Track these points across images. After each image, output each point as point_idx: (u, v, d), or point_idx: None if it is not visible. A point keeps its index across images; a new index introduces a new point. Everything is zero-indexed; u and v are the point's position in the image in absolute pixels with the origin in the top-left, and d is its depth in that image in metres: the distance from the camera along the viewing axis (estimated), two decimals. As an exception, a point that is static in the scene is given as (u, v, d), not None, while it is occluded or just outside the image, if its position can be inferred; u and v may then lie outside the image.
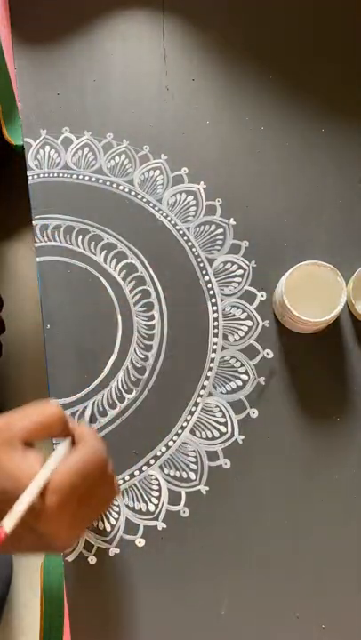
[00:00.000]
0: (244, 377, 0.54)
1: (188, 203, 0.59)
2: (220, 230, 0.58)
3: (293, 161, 0.60)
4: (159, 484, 0.51)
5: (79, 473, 0.36)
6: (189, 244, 0.58)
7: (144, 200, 0.59)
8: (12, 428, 0.37)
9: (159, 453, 0.52)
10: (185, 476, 0.52)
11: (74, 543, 0.41)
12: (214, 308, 0.56)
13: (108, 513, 0.51)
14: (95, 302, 0.56)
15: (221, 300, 0.56)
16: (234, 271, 0.57)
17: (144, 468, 0.52)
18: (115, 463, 0.52)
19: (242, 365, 0.54)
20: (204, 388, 0.54)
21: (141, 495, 0.51)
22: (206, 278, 0.57)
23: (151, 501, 0.51)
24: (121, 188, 0.59)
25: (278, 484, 0.52)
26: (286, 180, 0.60)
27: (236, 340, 0.55)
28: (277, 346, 0.55)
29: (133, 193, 0.59)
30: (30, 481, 0.34)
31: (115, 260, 0.57)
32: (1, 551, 0.38)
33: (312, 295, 0.52)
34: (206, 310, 0.56)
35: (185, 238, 0.58)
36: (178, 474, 0.52)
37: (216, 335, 0.55)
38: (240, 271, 0.57)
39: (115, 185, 0.59)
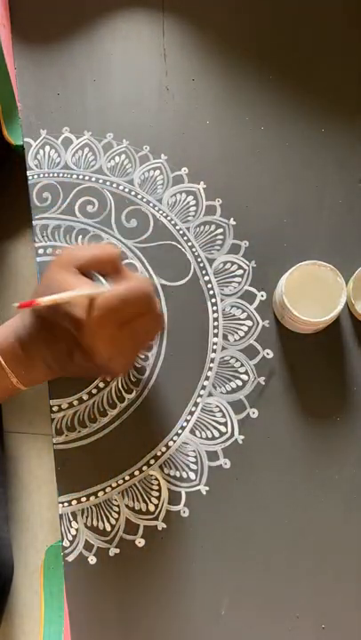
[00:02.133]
0: (244, 377, 0.54)
1: (188, 203, 0.59)
2: (220, 230, 0.58)
3: (293, 161, 0.60)
4: (159, 484, 0.51)
5: (122, 298, 0.40)
6: (189, 243, 0.58)
7: (144, 200, 0.59)
8: (72, 256, 0.42)
9: (159, 453, 0.52)
10: (185, 475, 0.52)
11: (117, 368, 0.43)
12: (214, 307, 0.56)
13: (107, 513, 0.51)
14: (95, 302, 0.56)
15: (221, 300, 0.56)
16: (234, 271, 0.57)
17: (144, 468, 0.52)
18: (115, 462, 0.52)
19: (242, 365, 0.54)
20: (203, 387, 0.54)
21: (141, 495, 0.51)
22: (206, 278, 0.57)
23: (151, 501, 0.51)
24: (121, 188, 0.59)
25: (278, 483, 0.52)
26: (286, 180, 0.60)
27: (236, 340, 0.55)
28: (277, 346, 0.55)
29: (133, 193, 0.59)
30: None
31: (115, 260, 0.57)
32: (59, 372, 0.44)
33: (312, 295, 0.52)
34: (206, 310, 0.56)
35: (185, 238, 0.58)
36: (178, 474, 0.52)
37: (216, 335, 0.55)
38: (240, 271, 0.57)
39: (115, 185, 0.59)
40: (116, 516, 0.51)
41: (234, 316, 0.56)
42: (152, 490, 0.51)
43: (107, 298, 0.40)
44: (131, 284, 0.41)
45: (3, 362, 0.43)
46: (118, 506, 0.51)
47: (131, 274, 0.44)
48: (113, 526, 0.50)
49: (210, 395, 0.54)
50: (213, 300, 0.56)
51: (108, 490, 0.51)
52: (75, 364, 0.43)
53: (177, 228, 0.58)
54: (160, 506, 0.51)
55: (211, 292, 0.56)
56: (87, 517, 0.51)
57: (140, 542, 0.50)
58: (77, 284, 0.40)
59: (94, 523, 0.50)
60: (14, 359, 0.43)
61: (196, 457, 0.52)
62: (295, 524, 0.51)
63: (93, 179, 0.59)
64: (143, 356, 0.54)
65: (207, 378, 0.54)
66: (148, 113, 0.61)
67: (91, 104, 0.61)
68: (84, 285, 0.40)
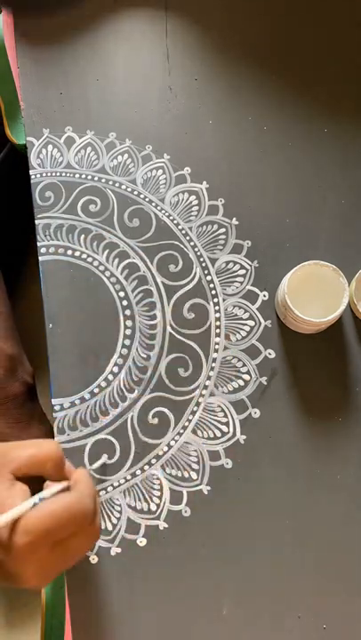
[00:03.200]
0: (246, 377, 0.54)
1: (191, 202, 0.59)
2: (223, 230, 0.58)
3: (296, 161, 0.60)
4: (161, 484, 0.51)
5: (58, 519, 0.35)
6: (192, 243, 0.58)
7: (147, 199, 0.59)
8: (5, 457, 0.37)
9: (161, 453, 0.52)
10: (187, 475, 0.52)
11: (42, 586, 0.40)
12: (216, 307, 0.56)
13: (109, 512, 0.51)
14: (97, 302, 0.56)
15: (224, 300, 0.56)
16: (236, 271, 0.57)
17: (146, 467, 0.52)
18: (116, 462, 0.52)
19: (244, 365, 0.54)
20: (205, 387, 0.54)
21: (143, 495, 0.51)
22: (208, 278, 0.57)
23: (153, 501, 0.51)
24: (123, 187, 0.59)
25: (280, 483, 0.52)
26: (289, 180, 0.60)
27: (238, 340, 0.55)
28: (279, 346, 0.55)
29: (136, 192, 0.59)
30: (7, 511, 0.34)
31: (117, 260, 0.57)
32: None
33: (314, 295, 0.52)
34: (208, 310, 0.56)
35: (187, 238, 0.58)
36: (180, 473, 0.52)
37: (218, 335, 0.55)
38: (242, 271, 0.57)
39: (117, 184, 0.59)
40: (117, 515, 0.51)
41: (236, 315, 0.56)
42: (154, 489, 0.51)
43: (40, 519, 0.34)
44: (69, 498, 0.36)
45: None
46: (120, 505, 0.51)
47: (77, 475, 0.39)
48: (114, 525, 0.50)
49: (212, 394, 0.54)
50: (216, 300, 0.56)
51: (109, 489, 0.51)
52: None
53: (179, 227, 0.58)
54: (162, 505, 0.51)
55: (213, 292, 0.56)
56: (89, 517, 0.50)
57: (142, 542, 0.50)
58: (8, 498, 0.35)
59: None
60: None
61: (197, 457, 0.52)
62: (297, 524, 0.51)
63: (96, 178, 0.59)
64: (145, 356, 0.54)
65: (209, 377, 0.54)
66: (150, 112, 0.61)
67: (93, 103, 0.61)
68: (16, 499, 0.35)
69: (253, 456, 0.52)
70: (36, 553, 0.34)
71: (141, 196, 0.59)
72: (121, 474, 0.52)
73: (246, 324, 0.56)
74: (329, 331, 0.55)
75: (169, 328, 0.55)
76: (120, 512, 0.51)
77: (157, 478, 0.52)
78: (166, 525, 0.51)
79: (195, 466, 0.52)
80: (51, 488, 0.37)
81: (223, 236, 0.58)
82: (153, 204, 0.59)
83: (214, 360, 0.55)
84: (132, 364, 0.54)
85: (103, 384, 0.54)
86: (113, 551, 0.50)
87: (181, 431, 0.53)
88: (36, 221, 0.58)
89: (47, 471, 0.38)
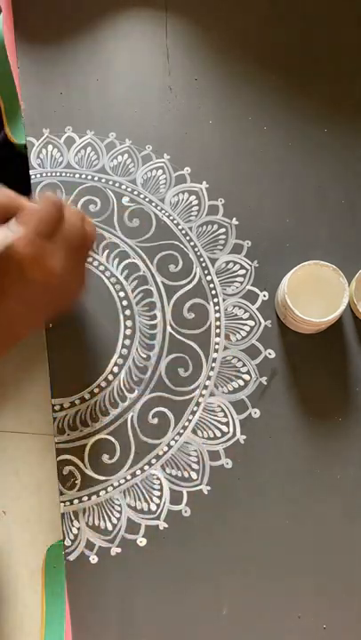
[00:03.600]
0: (246, 377, 0.54)
1: (191, 202, 0.59)
2: (223, 230, 0.58)
3: (296, 161, 0.60)
4: (161, 484, 0.51)
5: (36, 215, 0.41)
6: (192, 243, 0.58)
7: (147, 199, 0.59)
8: None
9: (161, 453, 0.52)
10: (187, 475, 0.52)
11: (74, 283, 0.46)
12: (216, 307, 0.56)
13: (109, 512, 0.51)
14: (97, 302, 0.56)
15: (223, 300, 0.56)
16: (236, 271, 0.57)
17: (146, 467, 0.52)
18: (116, 462, 0.52)
19: (244, 365, 0.54)
20: (205, 387, 0.54)
21: (143, 495, 0.51)
22: (208, 278, 0.57)
23: (153, 501, 0.51)
24: (123, 187, 0.59)
25: (280, 483, 0.52)
26: (289, 180, 0.60)
27: (238, 340, 0.55)
28: (279, 346, 0.55)
29: (136, 192, 0.59)
30: None
31: (117, 260, 0.57)
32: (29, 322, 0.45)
33: (314, 295, 0.52)
34: (208, 310, 0.56)
35: (187, 238, 0.58)
36: (180, 473, 0.52)
37: (218, 335, 0.55)
38: (242, 271, 0.57)
39: (117, 184, 0.59)
40: (117, 515, 0.51)
41: (236, 315, 0.56)
42: (154, 489, 0.51)
43: (24, 222, 0.41)
44: (32, 203, 0.42)
45: None
46: (120, 505, 0.51)
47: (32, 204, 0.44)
48: (114, 525, 0.50)
49: (212, 394, 0.54)
50: (216, 300, 0.56)
51: (109, 489, 0.51)
52: (41, 300, 0.44)
53: (179, 227, 0.58)
54: (162, 505, 0.51)
55: (213, 292, 0.56)
56: (89, 516, 0.51)
57: (142, 542, 0.50)
58: None
59: (96, 522, 0.50)
60: None
61: (197, 457, 0.52)
62: (297, 524, 0.51)
63: (96, 178, 0.59)
64: (145, 356, 0.54)
65: (209, 377, 0.54)
66: (150, 112, 0.61)
67: (94, 103, 0.61)
68: None
69: (254, 456, 0.52)
70: (41, 247, 0.41)
71: (141, 195, 0.59)
72: (121, 474, 0.52)
73: (246, 324, 0.56)
74: (329, 331, 0.55)
75: (169, 328, 0.55)
76: (120, 512, 0.51)
77: (157, 478, 0.52)
78: (166, 525, 0.51)
79: (195, 466, 0.52)
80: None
81: (223, 236, 0.58)
82: (153, 204, 0.59)
83: (214, 360, 0.55)
84: (132, 363, 0.54)
85: (103, 384, 0.54)
86: (113, 551, 0.50)
87: (181, 431, 0.53)
88: (36, 221, 0.58)
89: (8, 211, 0.43)
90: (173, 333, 0.55)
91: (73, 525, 0.50)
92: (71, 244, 0.43)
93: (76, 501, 0.51)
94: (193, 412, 0.53)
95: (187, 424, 0.53)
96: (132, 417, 0.53)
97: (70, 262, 0.43)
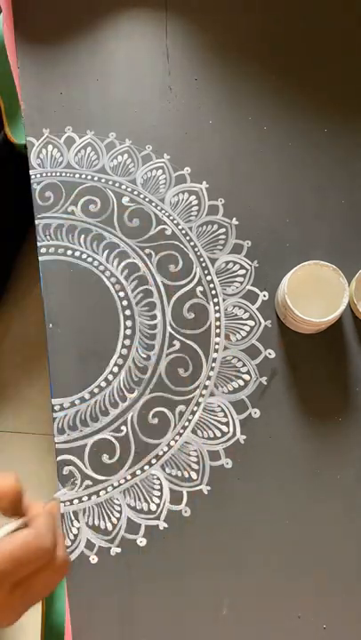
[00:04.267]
0: (246, 377, 0.54)
1: (191, 202, 0.59)
2: (223, 230, 0.58)
3: (296, 161, 0.60)
4: (161, 484, 0.51)
5: (13, 559, 0.33)
6: (192, 243, 0.58)
7: (146, 200, 0.59)
8: None
9: (161, 453, 0.52)
10: (187, 475, 0.52)
11: (5, 627, 0.38)
12: (216, 307, 0.56)
13: (109, 512, 0.51)
14: (97, 302, 0.56)
15: (223, 300, 0.56)
16: (236, 271, 0.57)
17: (146, 467, 0.52)
18: (116, 462, 0.52)
19: (244, 365, 0.54)
20: (205, 387, 0.54)
21: (143, 495, 0.51)
22: (208, 278, 0.57)
23: (153, 501, 0.51)
24: (123, 187, 0.59)
25: (280, 483, 0.52)
26: (289, 180, 0.60)
27: (238, 340, 0.55)
28: (279, 346, 0.55)
29: (136, 192, 0.59)
30: None
31: (117, 260, 0.57)
32: None
33: (314, 295, 0.52)
34: (208, 310, 0.56)
35: (187, 238, 0.58)
36: (179, 473, 0.52)
37: (218, 335, 0.55)
38: (242, 271, 0.57)
39: (117, 184, 0.59)
40: (117, 515, 0.51)
41: (236, 315, 0.56)
42: (154, 489, 0.51)
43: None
44: (23, 536, 0.34)
45: None
46: (120, 505, 0.51)
47: (36, 511, 0.37)
48: (114, 525, 0.50)
49: (212, 394, 0.54)
50: (216, 300, 0.56)
51: (109, 489, 0.51)
52: None
53: (179, 227, 0.58)
54: (162, 505, 0.51)
55: (213, 292, 0.56)
56: (89, 516, 0.51)
57: (142, 542, 0.50)
58: None
59: (96, 522, 0.50)
60: None
61: (197, 457, 0.52)
62: (297, 524, 0.51)
63: (96, 178, 0.59)
64: (145, 356, 0.54)
65: (209, 377, 0.54)
66: (150, 112, 0.61)
67: (93, 103, 0.61)
68: None
69: (253, 456, 0.52)
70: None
71: (141, 196, 0.59)
72: (121, 474, 0.52)
73: (246, 324, 0.56)
74: (329, 331, 0.55)
75: (169, 328, 0.55)
76: (120, 512, 0.51)
77: (157, 478, 0.52)
78: (166, 525, 0.51)
79: (195, 466, 0.52)
80: (6, 526, 0.35)
81: (223, 236, 0.58)
82: (153, 204, 0.59)
83: (214, 360, 0.55)
84: (132, 363, 0.54)
85: (103, 384, 0.54)
86: (113, 551, 0.50)
87: (181, 431, 0.53)
88: (36, 221, 0.58)
89: (3, 507, 0.35)
90: (173, 333, 0.55)
91: (73, 525, 0.50)
92: (30, 598, 0.35)
93: (75, 501, 0.51)
94: (193, 412, 0.53)
95: (187, 424, 0.53)
96: (132, 417, 0.53)
97: (11, 616, 0.35)
